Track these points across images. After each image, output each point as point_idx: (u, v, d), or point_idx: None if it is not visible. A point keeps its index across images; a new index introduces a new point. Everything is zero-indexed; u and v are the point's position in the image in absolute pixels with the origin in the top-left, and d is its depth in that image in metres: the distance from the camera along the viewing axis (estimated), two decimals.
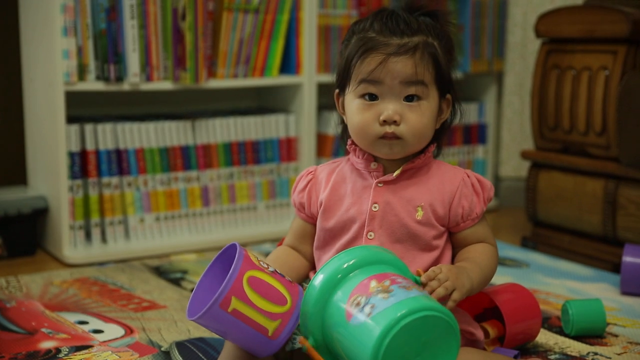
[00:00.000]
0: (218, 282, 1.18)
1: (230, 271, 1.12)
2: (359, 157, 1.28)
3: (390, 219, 1.24)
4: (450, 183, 1.25)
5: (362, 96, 1.23)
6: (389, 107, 1.21)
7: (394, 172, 1.25)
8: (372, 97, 1.22)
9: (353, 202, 1.27)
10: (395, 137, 1.21)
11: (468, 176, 1.26)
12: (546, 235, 2.19)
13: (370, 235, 1.25)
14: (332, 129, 2.33)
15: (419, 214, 1.23)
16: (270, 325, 1.13)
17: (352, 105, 1.25)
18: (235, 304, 1.11)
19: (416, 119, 1.21)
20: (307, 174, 1.34)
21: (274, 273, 1.18)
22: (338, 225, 1.28)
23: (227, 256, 1.19)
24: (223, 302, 1.11)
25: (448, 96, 1.27)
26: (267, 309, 1.13)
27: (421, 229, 1.23)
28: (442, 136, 1.32)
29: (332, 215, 1.28)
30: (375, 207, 1.25)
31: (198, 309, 1.15)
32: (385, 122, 1.21)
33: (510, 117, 2.71)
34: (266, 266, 1.18)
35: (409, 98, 1.21)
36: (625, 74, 1.96)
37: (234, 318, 1.12)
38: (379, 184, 1.26)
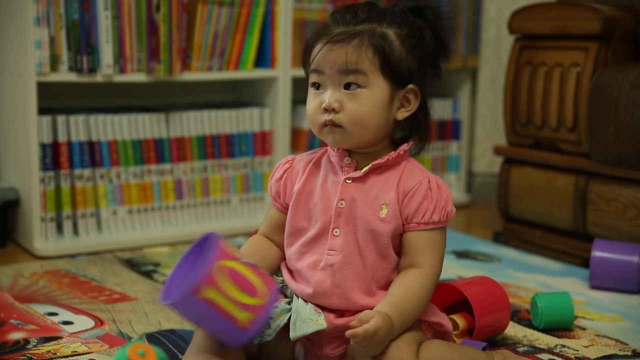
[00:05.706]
0: (193, 271, 1.18)
1: (204, 258, 1.13)
2: (334, 151, 1.28)
3: (355, 216, 1.24)
4: (408, 183, 1.24)
5: (312, 85, 1.26)
6: (329, 96, 1.22)
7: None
8: (318, 86, 1.24)
9: (321, 196, 1.26)
10: (335, 125, 1.22)
11: (428, 181, 1.24)
12: (517, 230, 2.21)
13: (336, 232, 1.24)
14: (307, 123, 2.33)
15: (383, 212, 1.23)
16: (240, 315, 1.13)
17: (308, 94, 1.27)
18: (206, 291, 1.11)
19: (354, 107, 1.21)
20: (285, 162, 1.33)
21: (251, 266, 1.18)
22: (304, 219, 1.27)
23: (204, 246, 1.20)
24: (194, 289, 1.11)
25: (411, 86, 1.24)
26: (239, 298, 1.13)
27: (384, 227, 1.22)
28: (418, 132, 1.28)
29: (300, 207, 1.28)
30: (341, 204, 1.24)
31: (171, 294, 1.15)
32: (326, 110, 1.22)
33: (484, 113, 2.72)
34: (242, 257, 1.18)
35: (348, 86, 1.22)
36: (597, 70, 1.98)
37: (205, 305, 1.12)
38: (348, 180, 1.25)
